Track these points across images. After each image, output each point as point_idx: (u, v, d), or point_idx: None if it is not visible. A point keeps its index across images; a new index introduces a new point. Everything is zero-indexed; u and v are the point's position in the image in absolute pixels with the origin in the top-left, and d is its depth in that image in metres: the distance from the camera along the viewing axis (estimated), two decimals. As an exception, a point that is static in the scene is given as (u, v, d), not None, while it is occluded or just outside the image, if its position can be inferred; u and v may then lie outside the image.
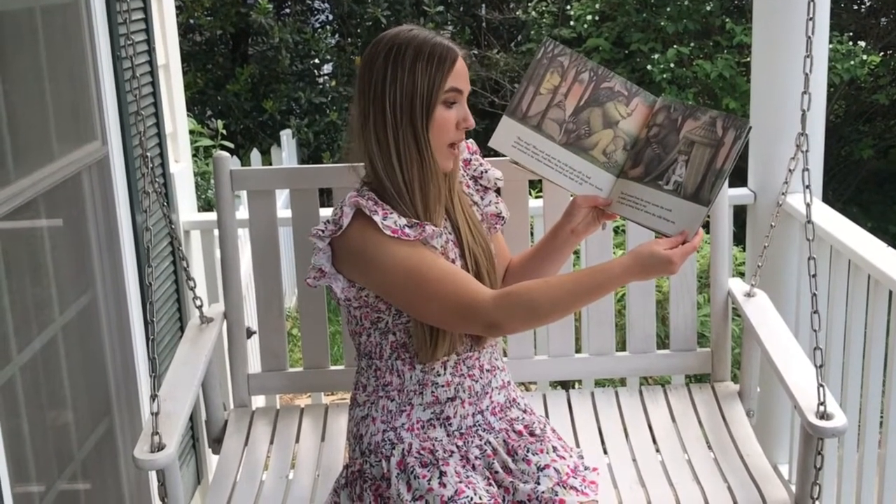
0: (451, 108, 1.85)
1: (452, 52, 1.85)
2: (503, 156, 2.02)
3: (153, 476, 2.68)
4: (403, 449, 1.88)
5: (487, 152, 2.11)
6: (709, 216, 1.87)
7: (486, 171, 2.06)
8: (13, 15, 2.29)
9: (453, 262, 1.89)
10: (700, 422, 2.34)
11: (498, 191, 2.08)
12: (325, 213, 2.38)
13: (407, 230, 1.80)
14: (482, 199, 2.06)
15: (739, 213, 3.08)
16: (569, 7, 8.45)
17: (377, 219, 1.79)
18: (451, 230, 1.93)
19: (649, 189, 1.90)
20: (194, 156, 5.05)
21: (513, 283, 1.99)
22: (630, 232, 2.42)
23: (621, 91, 1.97)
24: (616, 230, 2.37)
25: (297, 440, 2.36)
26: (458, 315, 1.80)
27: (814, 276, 1.99)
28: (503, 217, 2.07)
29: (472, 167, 2.06)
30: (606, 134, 1.96)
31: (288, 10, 9.10)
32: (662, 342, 2.61)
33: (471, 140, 2.10)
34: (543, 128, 1.96)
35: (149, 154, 2.10)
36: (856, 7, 8.80)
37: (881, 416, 2.43)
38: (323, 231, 1.84)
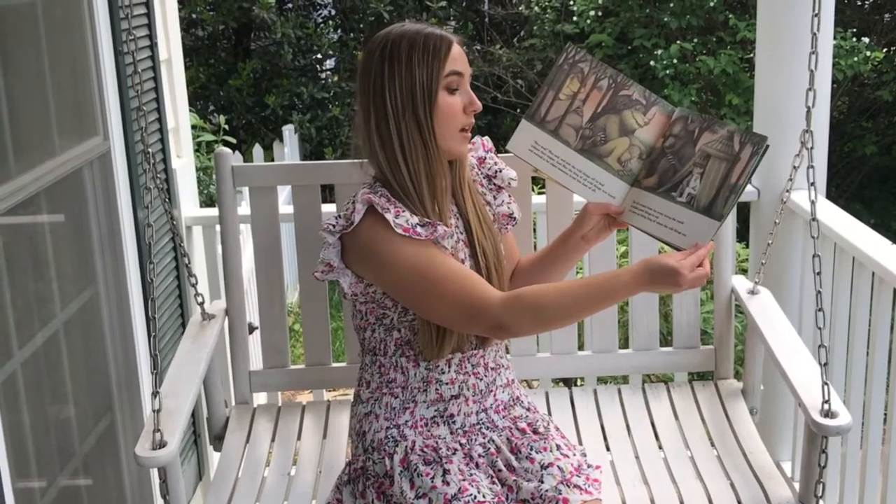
0: (454, 93, 1.85)
1: (446, 38, 1.85)
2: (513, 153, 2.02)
3: (155, 473, 2.68)
4: (407, 446, 1.87)
5: (499, 151, 2.10)
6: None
7: (501, 171, 2.05)
8: (14, 9, 2.28)
9: (463, 261, 1.88)
10: (703, 419, 2.34)
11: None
12: (327, 209, 2.38)
13: (419, 229, 1.79)
14: (495, 198, 2.05)
15: (742, 210, 3.07)
16: (572, 2, 8.43)
17: (389, 217, 1.78)
18: (463, 229, 1.92)
19: (662, 200, 1.89)
20: (196, 151, 5.04)
21: (520, 284, 1.98)
22: (633, 232, 2.41)
23: (639, 99, 1.96)
24: (618, 230, 2.36)
25: (299, 437, 2.36)
26: (466, 315, 1.79)
27: (818, 273, 1.98)
28: (515, 217, 2.06)
29: (486, 165, 2.05)
30: (622, 142, 1.95)
31: (290, 5, 9.09)
32: (665, 339, 2.60)
33: (486, 138, 2.09)
34: (560, 133, 1.95)
35: (150, 149, 2.09)
36: (859, 3, 8.77)
37: (885, 414, 2.42)
38: (334, 226, 1.83)
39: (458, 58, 1.85)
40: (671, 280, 1.74)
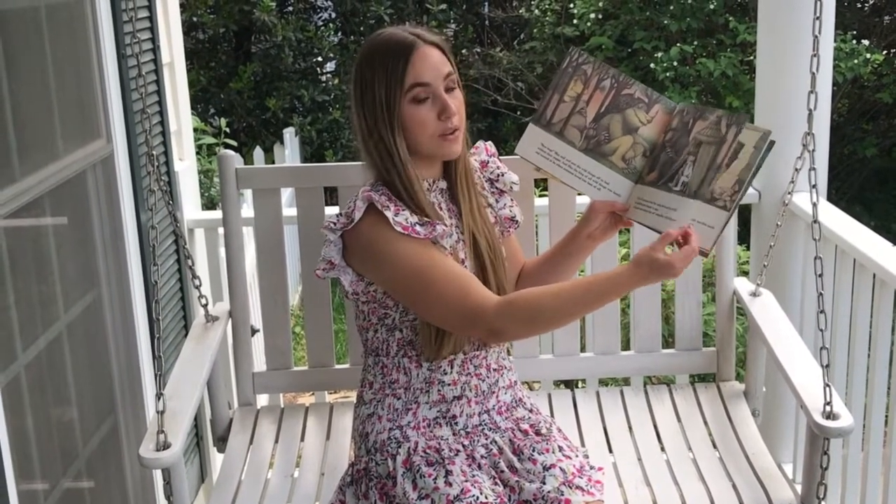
0: (422, 103, 1.82)
1: (407, 47, 1.82)
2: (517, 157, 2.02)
3: (157, 474, 2.68)
4: (409, 447, 1.87)
5: (500, 153, 2.11)
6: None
7: (503, 175, 2.06)
8: (18, 13, 2.29)
9: (463, 262, 1.89)
10: (705, 421, 2.34)
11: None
12: (330, 211, 2.38)
13: (418, 228, 1.80)
14: (497, 201, 2.06)
15: (743, 212, 3.07)
16: (572, 5, 8.43)
17: (389, 214, 1.79)
18: (463, 230, 1.92)
19: (661, 192, 1.90)
20: (197, 154, 5.04)
21: (527, 286, 1.98)
22: (635, 233, 2.41)
23: (641, 98, 1.97)
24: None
25: (303, 439, 2.36)
26: (462, 319, 1.79)
27: (819, 275, 1.99)
28: (517, 221, 2.07)
29: (489, 169, 2.06)
30: (626, 140, 1.96)
31: (291, 8, 9.10)
32: (667, 341, 2.60)
33: (489, 142, 2.10)
34: (565, 134, 1.97)
35: (154, 152, 2.10)
36: (859, 6, 8.78)
37: (886, 416, 2.43)
38: (335, 223, 1.84)
39: (421, 67, 1.81)
40: (666, 273, 1.75)
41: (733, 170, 1.83)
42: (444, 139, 1.85)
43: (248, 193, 2.66)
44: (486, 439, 1.92)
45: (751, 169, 1.82)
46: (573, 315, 1.84)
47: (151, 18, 2.90)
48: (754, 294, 2.42)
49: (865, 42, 7.61)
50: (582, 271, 3.03)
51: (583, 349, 2.53)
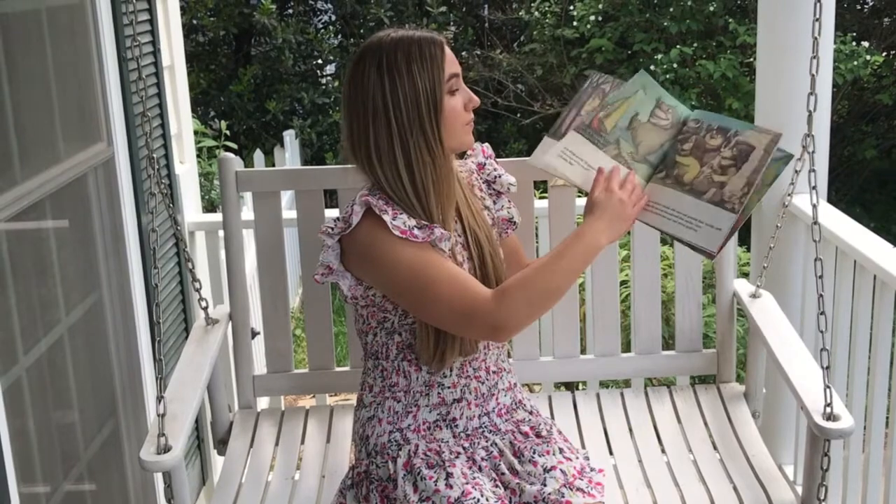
0: (455, 94, 1.85)
1: (437, 40, 1.85)
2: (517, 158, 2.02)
3: (158, 477, 2.68)
4: (410, 450, 1.88)
5: (499, 155, 2.11)
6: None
7: (500, 176, 2.06)
8: (19, 16, 2.29)
9: (461, 264, 1.89)
10: (706, 423, 2.34)
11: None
12: (330, 213, 2.39)
13: (416, 231, 1.80)
14: (495, 203, 2.06)
15: (743, 214, 3.07)
16: (572, 7, 8.44)
17: (387, 218, 1.79)
18: (461, 232, 1.92)
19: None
20: (197, 156, 5.04)
21: None
22: (635, 234, 2.41)
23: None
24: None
25: (303, 441, 2.37)
26: (462, 319, 1.79)
27: (820, 277, 1.99)
28: (515, 222, 2.07)
29: (485, 171, 2.06)
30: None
31: (291, 11, 9.11)
32: (667, 343, 2.60)
33: (486, 144, 2.10)
34: (582, 133, 1.97)
35: (154, 155, 2.10)
36: (859, 7, 8.79)
37: (887, 417, 2.43)
38: (332, 228, 1.84)
39: (451, 58, 1.85)
40: (620, 210, 1.81)
41: (743, 172, 1.84)
42: (468, 128, 1.89)
43: (248, 196, 2.66)
44: (487, 441, 1.92)
45: (759, 172, 1.82)
46: (566, 285, 1.81)
47: (152, 21, 2.91)
48: (754, 296, 2.42)
49: (865, 44, 7.62)
50: (583, 275, 3.03)
51: (583, 351, 2.53)
